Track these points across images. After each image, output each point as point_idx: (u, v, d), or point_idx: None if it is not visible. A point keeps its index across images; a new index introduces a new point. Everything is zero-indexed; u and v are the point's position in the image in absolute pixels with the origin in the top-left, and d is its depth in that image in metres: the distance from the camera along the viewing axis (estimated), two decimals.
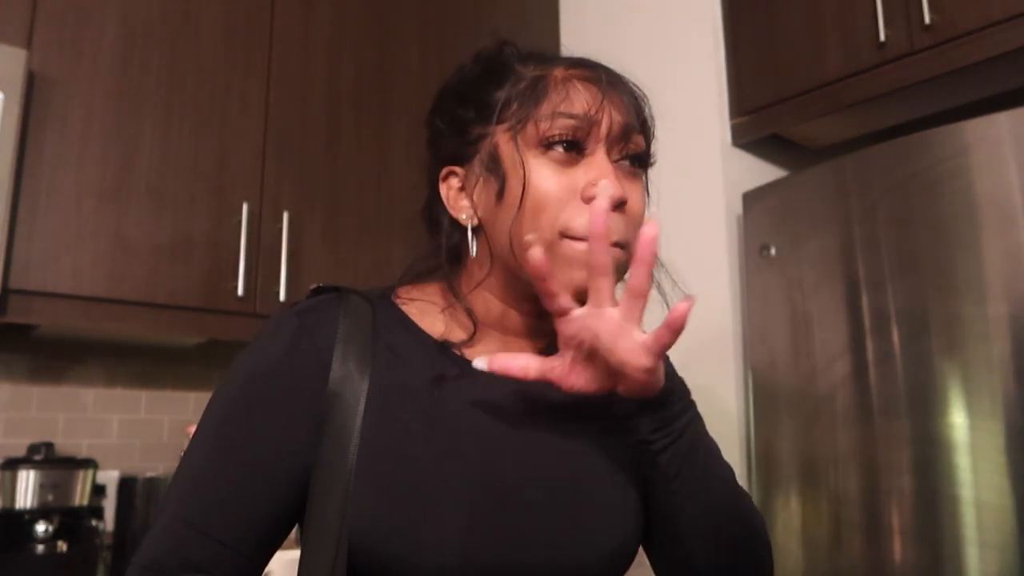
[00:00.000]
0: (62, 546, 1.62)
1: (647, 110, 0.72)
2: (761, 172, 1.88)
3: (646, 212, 0.76)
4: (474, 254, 0.71)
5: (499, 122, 0.69)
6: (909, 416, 1.36)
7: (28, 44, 1.52)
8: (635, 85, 0.72)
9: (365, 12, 2.00)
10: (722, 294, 1.73)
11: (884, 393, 1.40)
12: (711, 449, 0.72)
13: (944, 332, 1.33)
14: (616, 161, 0.68)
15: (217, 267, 1.68)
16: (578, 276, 0.64)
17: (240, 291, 1.67)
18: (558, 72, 0.70)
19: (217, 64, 1.75)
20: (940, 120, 1.46)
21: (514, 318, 0.73)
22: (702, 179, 1.83)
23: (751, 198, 1.71)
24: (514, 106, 0.69)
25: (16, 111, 1.44)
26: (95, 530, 1.71)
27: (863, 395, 1.43)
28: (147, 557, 0.62)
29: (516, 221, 0.67)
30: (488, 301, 0.73)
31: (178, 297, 1.63)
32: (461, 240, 0.72)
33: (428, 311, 0.74)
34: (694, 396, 0.84)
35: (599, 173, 0.66)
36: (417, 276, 0.77)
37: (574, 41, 2.21)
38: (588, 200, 0.65)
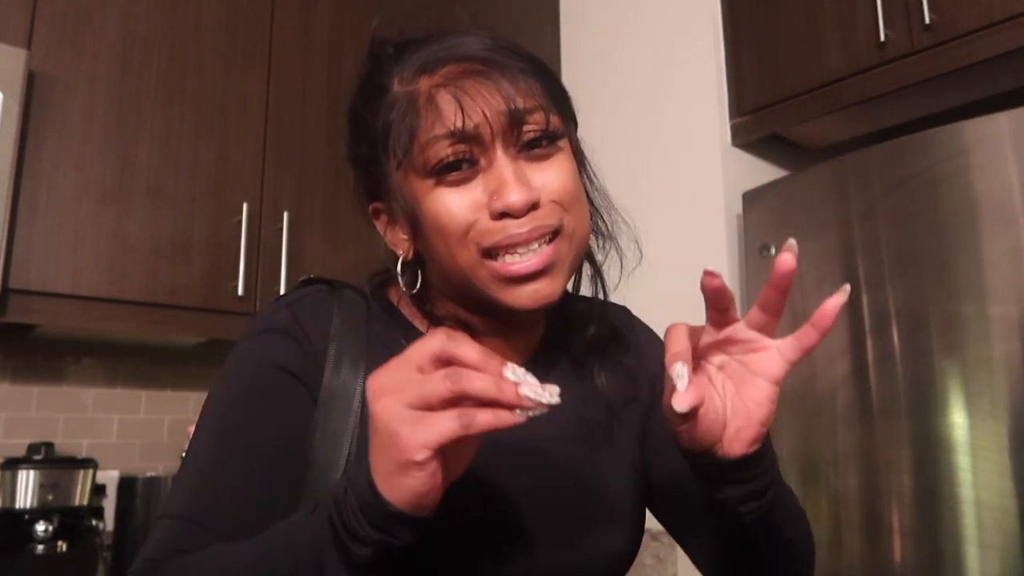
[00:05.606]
0: (62, 546, 1.62)
1: (541, 79, 0.65)
2: (761, 172, 1.88)
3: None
4: (405, 289, 0.68)
5: (388, 157, 0.65)
6: (909, 416, 1.36)
7: (28, 44, 1.52)
8: (519, 58, 0.65)
9: (365, 12, 2.00)
10: None
11: (884, 393, 1.40)
12: (787, 498, 0.68)
13: (944, 332, 1.33)
14: (520, 152, 0.63)
15: (217, 267, 1.68)
16: (522, 293, 0.62)
17: (240, 291, 1.67)
18: (423, 85, 0.64)
19: (217, 64, 1.75)
20: (940, 120, 1.46)
21: (488, 323, 0.69)
22: (702, 179, 1.83)
23: (751, 198, 1.71)
24: (392, 140, 0.64)
25: (16, 111, 1.44)
26: (95, 530, 1.71)
27: (863, 395, 1.43)
28: (142, 559, 0.60)
29: (433, 254, 0.65)
30: (458, 310, 0.69)
31: (178, 297, 1.63)
32: (411, 271, 0.69)
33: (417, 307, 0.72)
34: None
35: (497, 182, 0.61)
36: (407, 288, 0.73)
37: (574, 42, 2.21)
38: (495, 215, 0.61)
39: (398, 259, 0.69)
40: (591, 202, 0.71)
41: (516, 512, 0.66)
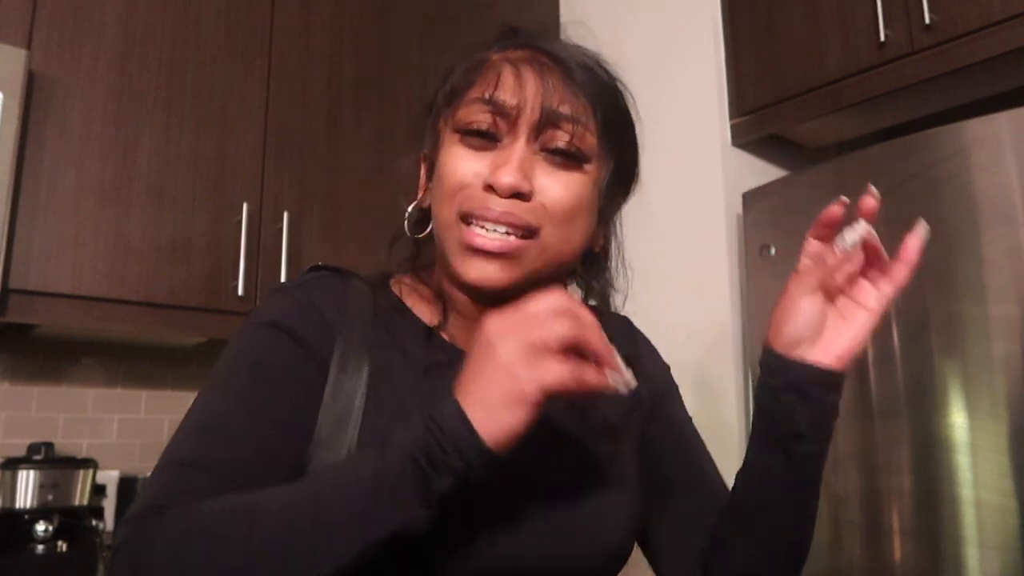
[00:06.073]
0: (62, 546, 1.62)
1: (599, 104, 0.67)
2: (761, 172, 1.88)
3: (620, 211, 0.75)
4: (409, 233, 0.73)
5: (441, 105, 0.71)
6: (909, 416, 1.36)
7: (28, 44, 1.52)
8: (591, 77, 0.68)
9: (365, 12, 2.00)
10: (722, 294, 1.73)
11: (884, 393, 1.40)
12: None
13: (944, 332, 1.33)
14: (543, 152, 0.65)
15: (217, 267, 1.68)
16: (472, 266, 0.64)
17: (240, 291, 1.67)
18: (497, 56, 0.69)
19: (217, 64, 1.75)
20: (940, 120, 1.46)
21: (473, 307, 0.70)
22: (702, 179, 1.83)
23: (751, 198, 1.71)
24: (447, 89, 0.70)
25: (16, 111, 1.44)
26: (95, 530, 1.71)
27: (863, 395, 1.43)
28: (146, 505, 0.57)
29: (434, 205, 0.68)
30: (452, 289, 0.70)
31: (178, 297, 1.63)
32: (421, 221, 0.73)
33: (417, 297, 0.74)
34: (695, 396, 0.85)
35: (503, 160, 0.64)
36: (408, 261, 0.76)
37: (573, 41, 2.21)
38: (484, 186, 0.64)
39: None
40: (605, 249, 0.74)
41: (507, 497, 0.66)
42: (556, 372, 0.51)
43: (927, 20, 1.48)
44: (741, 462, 0.71)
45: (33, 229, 1.48)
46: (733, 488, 0.73)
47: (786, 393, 0.64)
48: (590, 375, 0.52)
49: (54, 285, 1.50)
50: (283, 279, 1.73)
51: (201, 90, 1.72)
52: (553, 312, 0.53)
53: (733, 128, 1.85)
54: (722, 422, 1.67)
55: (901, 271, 0.64)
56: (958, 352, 1.31)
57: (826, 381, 0.64)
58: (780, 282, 1.80)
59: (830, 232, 0.64)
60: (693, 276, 1.76)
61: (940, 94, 1.59)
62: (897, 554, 1.35)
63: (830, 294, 0.64)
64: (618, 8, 2.10)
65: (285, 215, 1.76)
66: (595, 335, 0.53)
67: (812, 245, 0.65)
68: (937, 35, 1.49)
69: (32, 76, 1.51)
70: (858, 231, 0.61)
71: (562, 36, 0.77)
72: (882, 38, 1.55)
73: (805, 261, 0.66)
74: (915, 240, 0.63)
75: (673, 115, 1.90)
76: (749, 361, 1.66)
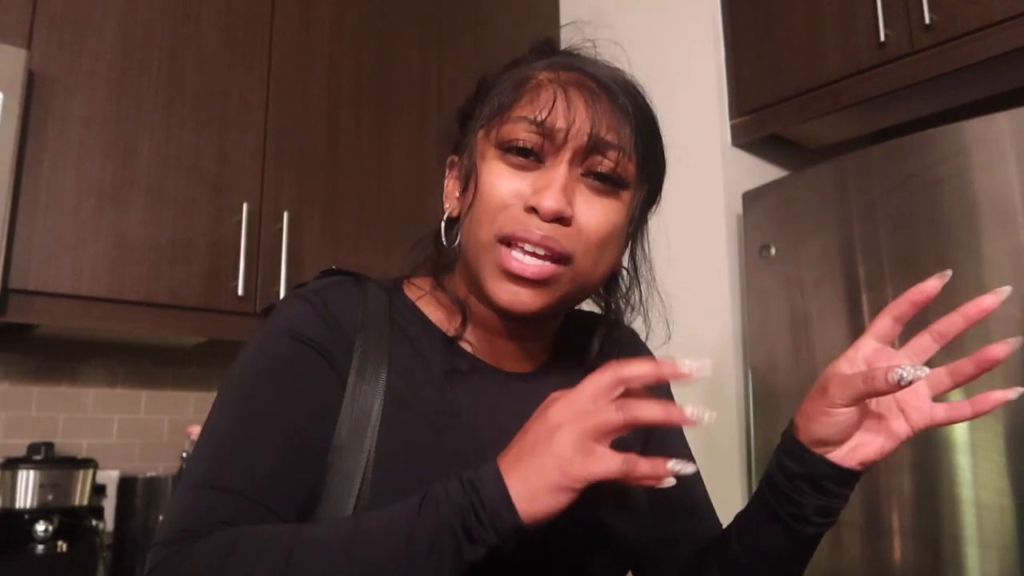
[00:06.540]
0: (62, 546, 1.62)
1: (640, 133, 0.67)
2: (761, 172, 1.88)
3: (646, 240, 0.75)
4: (445, 243, 0.72)
5: (484, 118, 0.70)
6: None
7: (28, 44, 1.52)
8: (634, 105, 0.68)
9: (365, 12, 2.00)
10: (722, 294, 1.73)
11: None
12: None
13: None
14: (584, 177, 0.66)
15: (217, 267, 1.68)
16: (505, 290, 0.64)
17: (240, 291, 1.67)
18: (544, 74, 0.68)
19: (217, 64, 1.75)
20: (940, 120, 1.46)
21: (494, 320, 0.71)
22: (702, 179, 1.83)
23: (751, 198, 1.71)
24: (489, 102, 0.69)
25: (16, 111, 1.44)
26: (95, 530, 1.71)
27: None
28: (177, 529, 0.57)
29: (467, 217, 0.68)
30: (470, 297, 0.71)
31: (178, 297, 1.63)
32: (446, 229, 0.73)
33: (433, 304, 0.73)
34: (695, 396, 0.85)
35: (545, 182, 0.64)
36: (420, 267, 0.75)
37: (573, 42, 2.21)
38: (526, 207, 0.64)
39: (445, 214, 0.73)
40: (636, 271, 0.74)
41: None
42: (607, 466, 0.51)
43: (927, 20, 1.48)
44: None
45: (33, 229, 1.48)
46: (728, 531, 0.74)
47: (801, 481, 0.65)
48: (642, 467, 0.51)
49: (54, 285, 1.50)
50: (283, 279, 1.73)
51: (201, 90, 1.72)
52: (607, 389, 0.52)
53: (733, 128, 1.85)
54: (721, 423, 1.67)
55: (969, 370, 0.64)
56: (958, 352, 1.31)
57: (844, 480, 0.64)
58: (780, 282, 1.80)
59: (912, 312, 0.64)
60: (693, 276, 1.76)
61: (940, 94, 1.59)
62: (897, 554, 1.35)
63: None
64: (618, 8, 2.10)
65: (285, 215, 1.77)
66: (647, 406, 0.52)
67: (881, 327, 0.66)
68: (937, 35, 1.49)
69: (32, 76, 1.51)
70: (918, 374, 0.59)
71: (562, 37, 0.77)
72: (882, 38, 1.55)
73: (861, 355, 0.66)
74: (1002, 349, 0.61)
75: (673, 115, 1.89)
76: (749, 361, 1.66)
